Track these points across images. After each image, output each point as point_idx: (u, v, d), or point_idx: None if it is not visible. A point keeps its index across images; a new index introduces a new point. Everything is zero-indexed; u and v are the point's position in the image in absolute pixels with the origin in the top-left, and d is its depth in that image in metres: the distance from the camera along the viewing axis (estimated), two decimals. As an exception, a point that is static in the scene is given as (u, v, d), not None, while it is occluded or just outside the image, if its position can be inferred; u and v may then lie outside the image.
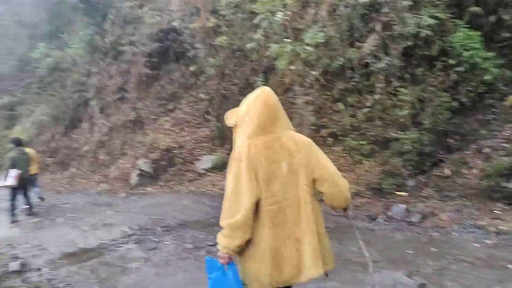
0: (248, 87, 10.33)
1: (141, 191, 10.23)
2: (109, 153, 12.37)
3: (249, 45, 9.44)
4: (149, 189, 10.25)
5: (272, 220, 2.24)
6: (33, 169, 10.17)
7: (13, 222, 9.16)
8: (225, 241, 2.27)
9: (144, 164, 10.58)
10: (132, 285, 4.99)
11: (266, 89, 2.42)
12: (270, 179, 2.25)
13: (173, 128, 11.58)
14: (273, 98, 2.38)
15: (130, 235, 7.05)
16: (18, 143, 9.51)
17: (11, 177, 8.99)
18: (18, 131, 16.05)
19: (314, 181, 2.35)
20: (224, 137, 10.68)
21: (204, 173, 10.07)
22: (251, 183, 2.23)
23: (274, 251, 2.24)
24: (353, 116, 8.04)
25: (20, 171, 9.16)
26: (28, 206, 9.71)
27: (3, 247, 7.49)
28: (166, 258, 5.78)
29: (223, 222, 2.30)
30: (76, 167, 13.10)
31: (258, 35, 9.14)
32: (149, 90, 12.60)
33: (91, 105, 13.22)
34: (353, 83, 8.13)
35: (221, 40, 10.40)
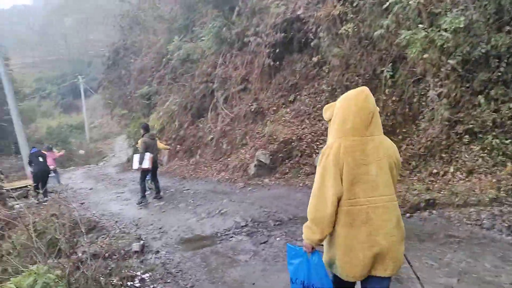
0: (375, 78, 9.57)
1: (258, 182, 10.17)
2: (231, 143, 12.60)
3: (377, 32, 8.70)
4: (266, 180, 10.14)
5: (351, 221, 2.31)
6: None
7: (140, 203, 9.80)
8: (308, 233, 2.46)
9: (262, 155, 10.51)
10: (239, 278, 4.88)
11: (365, 90, 2.41)
12: (354, 181, 2.30)
13: (293, 120, 11.31)
14: (371, 100, 2.38)
15: (242, 226, 6.99)
16: (147, 128, 10.14)
17: (147, 160, 9.62)
18: (153, 119, 17.39)
19: None
20: (345, 131, 10.09)
21: (322, 168, 9.62)
22: (335, 182, 2.29)
23: (348, 250, 2.34)
24: (496, 111, 6.85)
25: (152, 154, 9.78)
26: (157, 189, 10.35)
27: (130, 227, 8.03)
28: (275, 254, 5.56)
29: (308, 214, 2.44)
30: (200, 155, 13.65)
31: (388, 21, 8.36)
32: (271, 81, 12.50)
33: (216, 96, 13.62)
34: (499, 73, 6.91)
35: (347, 28, 9.80)
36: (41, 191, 11.44)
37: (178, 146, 15.04)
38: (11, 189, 12.62)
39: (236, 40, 13.14)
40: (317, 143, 10.42)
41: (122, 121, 21.65)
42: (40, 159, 12.00)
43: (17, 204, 11.32)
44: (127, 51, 21.55)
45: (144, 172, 9.96)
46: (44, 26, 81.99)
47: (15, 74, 74.86)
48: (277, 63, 12.12)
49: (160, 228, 7.64)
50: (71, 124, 49.82)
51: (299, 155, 10.26)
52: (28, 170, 13.89)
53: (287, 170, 10.12)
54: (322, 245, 2.55)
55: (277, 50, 11.95)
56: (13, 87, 19.35)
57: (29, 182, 14.59)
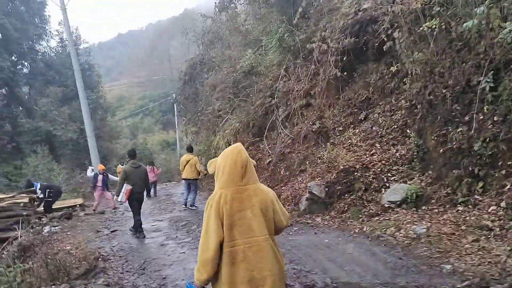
0: (468, 91, 7.00)
1: (307, 221, 8.13)
2: (289, 168, 10.67)
3: (467, 24, 6.28)
4: (317, 219, 8.06)
5: (231, 259, 2.60)
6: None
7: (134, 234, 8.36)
8: (197, 275, 2.70)
9: (316, 187, 8.43)
10: None
11: (238, 146, 2.81)
12: (232, 225, 2.62)
13: (360, 144, 9.09)
14: (244, 155, 2.74)
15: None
16: (131, 154, 9.30)
17: (122, 192, 8.45)
18: (219, 138, 16.10)
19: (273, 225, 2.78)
20: (426, 160, 7.67)
21: (390, 208, 7.27)
22: (217, 228, 2.62)
23: (231, 286, 2.61)
24: None
25: (130, 186, 8.48)
26: (134, 229, 9.16)
27: (133, 273, 6.56)
28: None
29: (198, 258, 2.71)
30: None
31: (483, 8, 5.94)
32: (339, 95, 10.38)
33: (276, 113, 11.82)
34: None
35: (431, 24, 7.43)
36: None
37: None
38: (58, 208, 12.04)
39: (301, 48, 11.25)
40: (389, 174, 8.09)
41: (196, 139, 20.73)
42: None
43: (54, 226, 10.57)
44: (203, 66, 20.76)
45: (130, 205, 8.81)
46: (152, 48, 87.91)
47: (123, 92, 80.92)
48: (346, 74, 9.96)
49: (164, 278, 6.01)
50: (166, 140, 51.88)
51: (363, 188, 8.01)
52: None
53: (346, 208, 7.92)
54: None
55: (347, 59, 9.81)
56: (88, 110, 19.71)
57: (79, 201, 14.09)
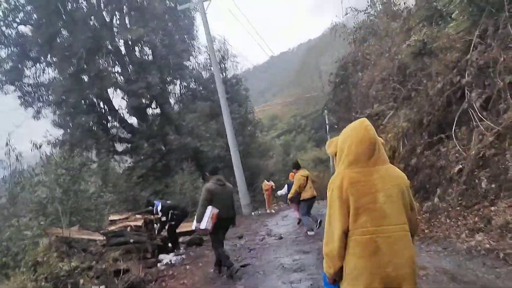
0: None
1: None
2: (496, 179, 6.89)
3: None
4: None
5: (361, 251, 2.24)
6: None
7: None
8: (325, 267, 2.44)
9: None
10: None
11: (365, 122, 2.43)
12: (360, 211, 2.26)
13: None
14: (371, 132, 2.40)
15: None
16: (213, 170, 7.17)
17: (207, 217, 6.51)
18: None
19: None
20: None
21: None
22: (341, 216, 2.29)
23: (360, 282, 2.22)
24: None
25: (217, 210, 6.58)
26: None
27: None
28: None
29: (323, 248, 2.42)
30: (441, 197, 8.28)
31: None
32: None
33: (468, 99, 8.09)
34: None
35: None
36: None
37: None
38: (186, 232, 10.23)
39: (506, -2, 7.43)
40: None
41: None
42: None
43: (178, 255, 8.63)
44: (356, 66, 17.72)
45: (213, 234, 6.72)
46: (303, 66, 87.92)
47: (277, 111, 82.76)
48: None
49: None
50: (319, 157, 50.27)
51: None
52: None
53: None
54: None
55: None
56: (231, 122, 18.81)
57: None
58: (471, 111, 7.93)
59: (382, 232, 2.20)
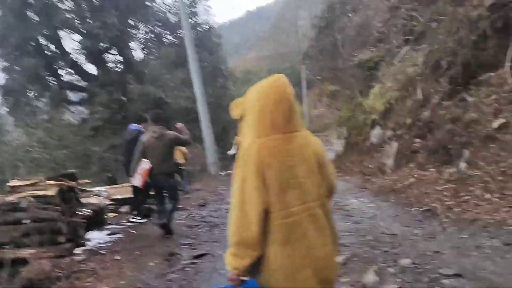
0: None
1: None
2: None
3: None
4: None
5: (286, 236, 1.78)
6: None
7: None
8: (234, 262, 1.82)
9: None
10: None
11: (281, 78, 1.90)
12: (283, 187, 1.78)
13: None
14: (290, 89, 1.88)
15: None
16: (153, 118, 6.14)
17: (138, 173, 5.93)
18: (374, 96, 10.80)
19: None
20: None
21: None
22: (258, 191, 1.76)
23: (286, 274, 1.79)
24: None
25: (149, 164, 5.90)
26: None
27: None
28: None
29: (231, 238, 1.83)
30: (470, 161, 6.19)
31: None
32: None
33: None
34: None
35: None
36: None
37: (418, 141, 7.87)
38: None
39: None
40: None
41: (333, 103, 15.40)
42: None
43: (113, 234, 6.37)
44: (345, 7, 15.25)
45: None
46: (279, 21, 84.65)
47: (251, 66, 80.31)
48: None
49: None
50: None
51: None
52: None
53: None
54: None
55: None
56: (199, 70, 16.48)
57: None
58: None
59: (307, 210, 1.78)
